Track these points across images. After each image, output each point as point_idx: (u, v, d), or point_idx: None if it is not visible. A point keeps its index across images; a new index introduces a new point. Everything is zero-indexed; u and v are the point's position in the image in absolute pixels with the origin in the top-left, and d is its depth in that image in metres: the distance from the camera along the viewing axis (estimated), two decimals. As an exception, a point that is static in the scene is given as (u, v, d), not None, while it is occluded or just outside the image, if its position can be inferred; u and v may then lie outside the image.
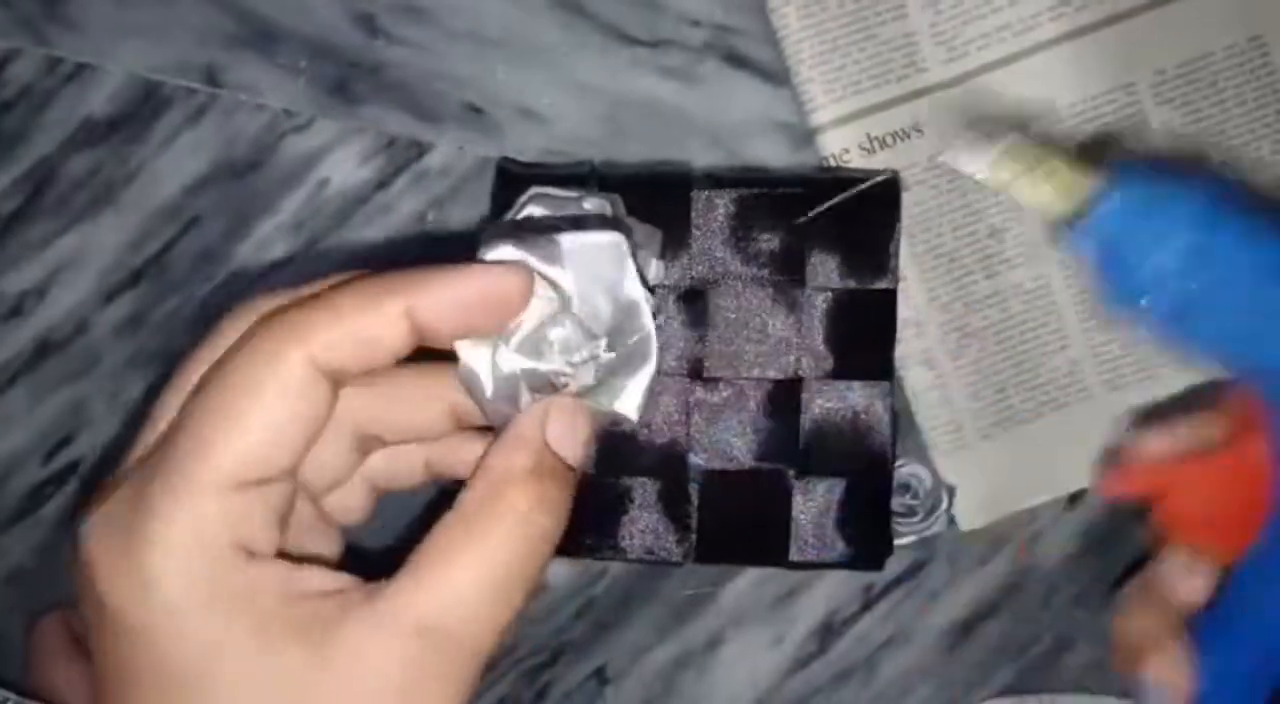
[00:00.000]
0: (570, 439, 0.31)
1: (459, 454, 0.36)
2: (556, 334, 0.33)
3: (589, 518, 0.44)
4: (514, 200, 0.42)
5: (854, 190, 0.43)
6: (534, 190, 0.41)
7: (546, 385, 0.33)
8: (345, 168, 0.48)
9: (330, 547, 0.36)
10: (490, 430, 0.34)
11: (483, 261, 0.33)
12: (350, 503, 0.36)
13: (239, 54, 0.48)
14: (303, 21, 0.47)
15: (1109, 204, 0.29)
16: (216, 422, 0.28)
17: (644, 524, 0.43)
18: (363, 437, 0.34)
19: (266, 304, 0.31)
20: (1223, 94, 0.48)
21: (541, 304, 0.33)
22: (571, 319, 0.33)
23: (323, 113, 0.48)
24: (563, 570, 0.50)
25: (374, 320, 0.29)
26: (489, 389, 0.32)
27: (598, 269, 0.34)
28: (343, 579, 0.29)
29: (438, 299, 0.30)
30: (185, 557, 0.27)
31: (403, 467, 0.36)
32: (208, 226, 0.48)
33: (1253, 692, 0.29)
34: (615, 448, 0.43)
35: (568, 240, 0.34)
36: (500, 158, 0.46)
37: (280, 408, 0.28)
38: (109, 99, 0.48)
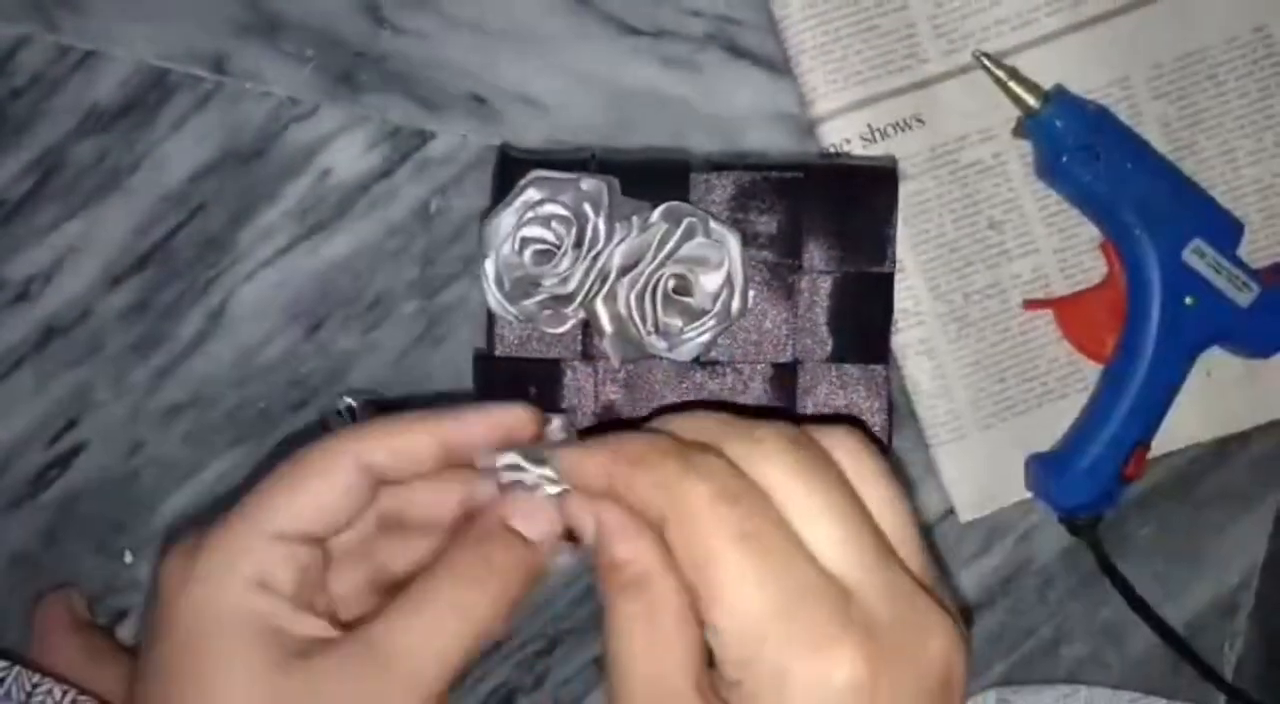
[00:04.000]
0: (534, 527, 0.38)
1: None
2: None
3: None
4: (516, 185, 0.42)
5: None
6: (534, 173, 0.42)
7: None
8: (349, 156, 0.48)
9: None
10: None
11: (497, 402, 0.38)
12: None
13: (246, 42, 0.48)
14: (309, 11, 0.48)
15: (1052, 107, 0.46)
16: (276, 490, 0.36)
17: (642, 508, 0.43)
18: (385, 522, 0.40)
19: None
20: (1223, 87, 0.48)
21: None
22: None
23: (327, 101, 0.48)
24: (560, 558, 0.50)
25: (410, 440, 0.37)
26: None
27: None
28: (335, 633, 0.35)
29: (456, 434, 0.37)
30: (218, 575, 0.35)
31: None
32: (212, 213, 0.49)
33: (1116, 449, 0.47)
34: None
35: None
36: (502, 143, 0.46)
37: (324, 491, 0.36)
38: (116, 86, 0.48)
